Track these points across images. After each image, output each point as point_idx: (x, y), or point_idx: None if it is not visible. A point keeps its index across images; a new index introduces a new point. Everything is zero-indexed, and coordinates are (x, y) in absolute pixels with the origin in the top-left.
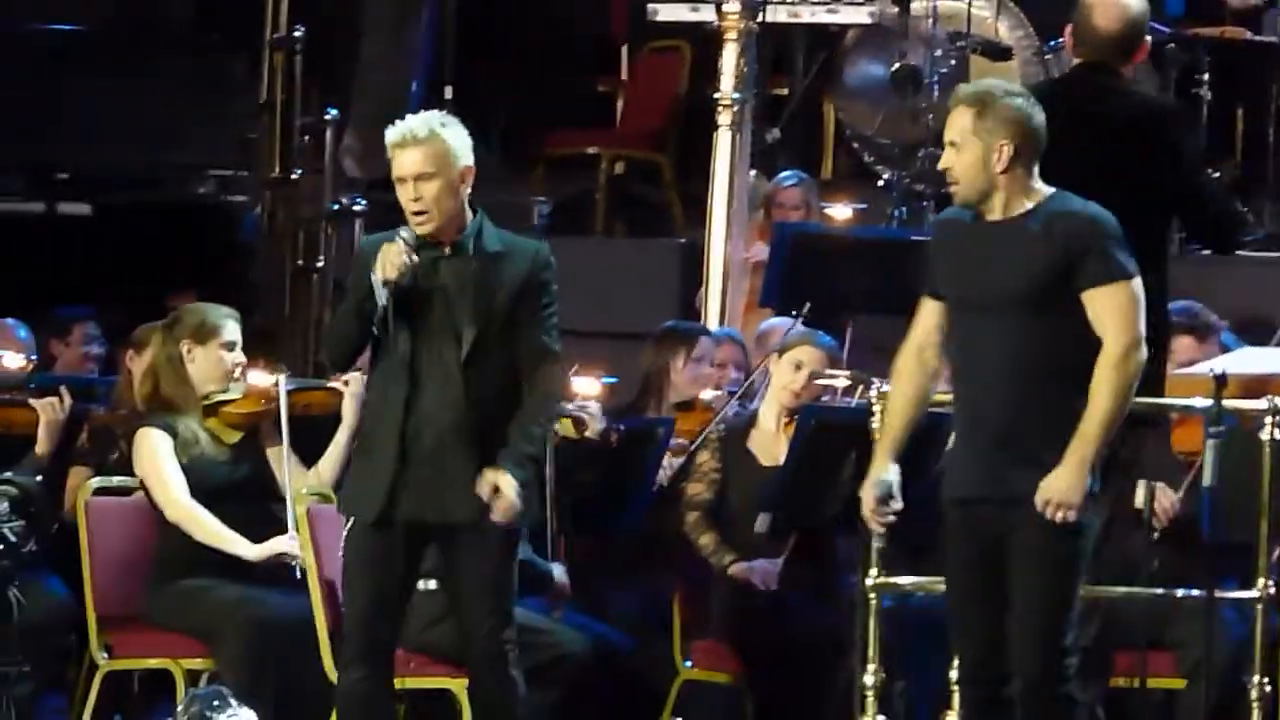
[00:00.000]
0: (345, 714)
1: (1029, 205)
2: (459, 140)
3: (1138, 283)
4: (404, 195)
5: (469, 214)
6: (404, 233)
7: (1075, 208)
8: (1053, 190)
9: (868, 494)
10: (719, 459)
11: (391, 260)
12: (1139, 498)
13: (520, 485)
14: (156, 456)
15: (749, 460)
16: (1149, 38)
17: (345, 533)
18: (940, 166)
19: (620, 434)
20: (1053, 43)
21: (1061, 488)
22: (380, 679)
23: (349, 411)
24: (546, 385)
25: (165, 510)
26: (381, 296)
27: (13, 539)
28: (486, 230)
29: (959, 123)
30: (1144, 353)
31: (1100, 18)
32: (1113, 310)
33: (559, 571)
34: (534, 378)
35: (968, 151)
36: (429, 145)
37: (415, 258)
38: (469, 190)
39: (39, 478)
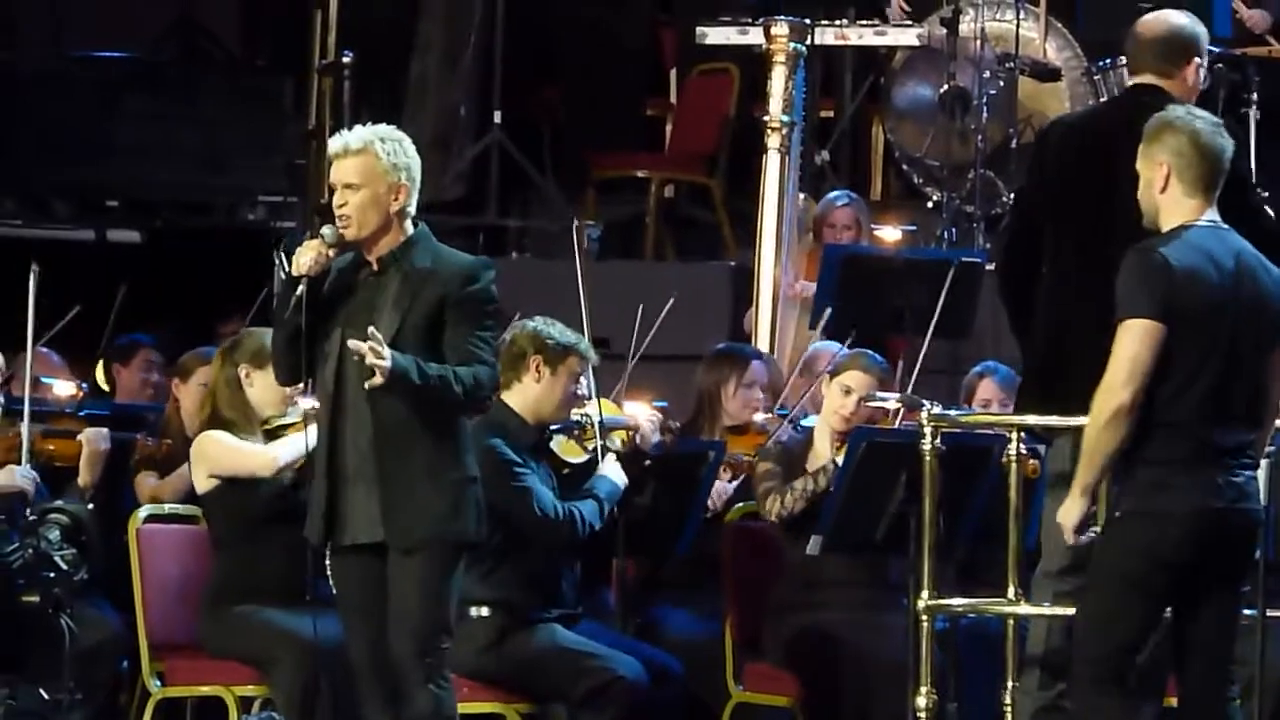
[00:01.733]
0: None
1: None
2: (396, 157)
3: (1136, 324)
4: (335, 202)
5: (405, 231)
6: (326, 230)
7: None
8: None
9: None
10: (780, 464)
11: (304, 255)
12: None
13: (401, 374)
14: (224, 441)
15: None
16: (1200, 60)
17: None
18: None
19: (674, 432)
20: (1101, 63)
21: (1060, 514)
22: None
23: None
24: (470, 370)
25: (263, 468)
26: (297, 289)
27: (64, 567)
28: (419, 249)
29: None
30: (1122, 395)
31: (1143, 26)
32: (1115, 344)
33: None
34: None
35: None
36: (360, 158)
37: (332, 253)
38: (400, 206)
39: (90, 505)
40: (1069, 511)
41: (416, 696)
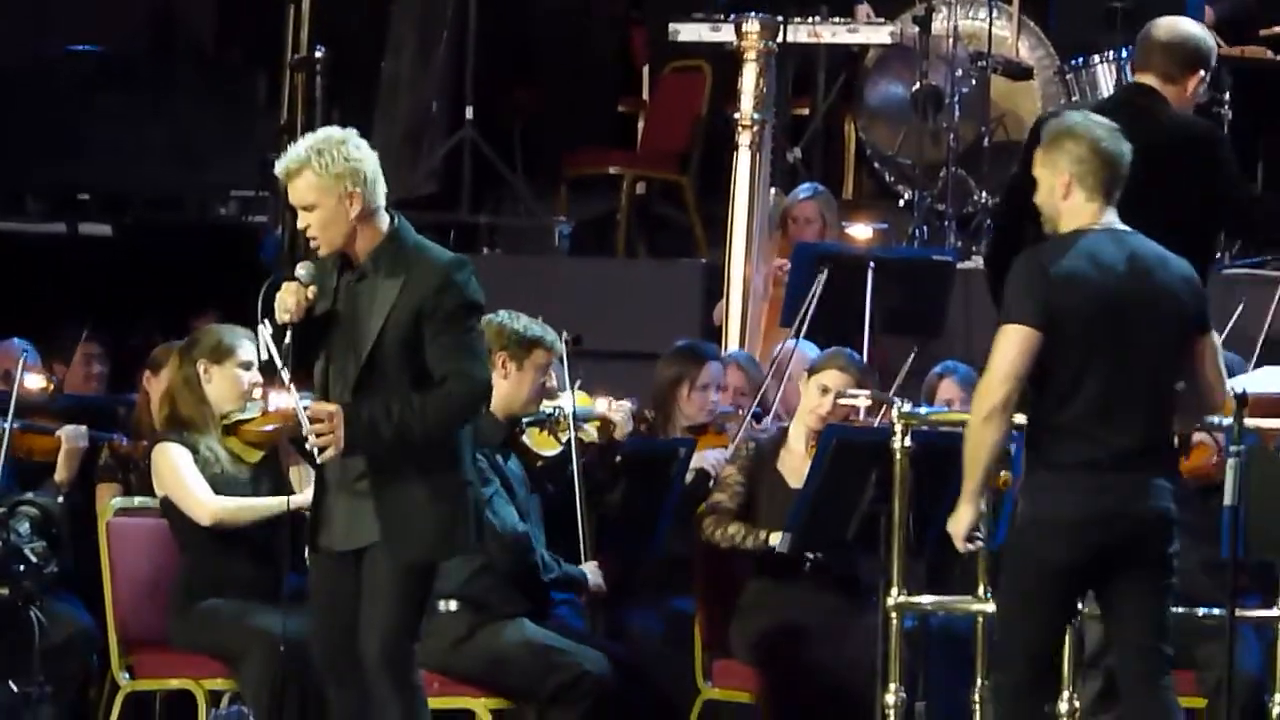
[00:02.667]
0: None
1: None
2: (336, 166)
3: (1012, 329)
4: (299, 224)
5: (380, 230)
6: (301, 271)
7: None
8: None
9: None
10: (745, 474)
11: (286, 301)
12: None
13: (357, 432)
14: (178, 469)
15: (776, 480)
16: (1205, 75)
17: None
18: None
19: (649, 422)
20: (1073, 61)
21: (949, 523)
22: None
23: None
24: (447, 393)
25: (199, 517)
26: (285, 337)
27: (34, 560)
28: (396, 250)
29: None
30: (996, 395)
31: (1159, 28)
32: (992, 350)
33: (591, 570)
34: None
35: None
36: (302, 179)
37: (311, 292)
38: (360, 210)
39: (60, 498)
40: (958, 519)
41: (388, 704)
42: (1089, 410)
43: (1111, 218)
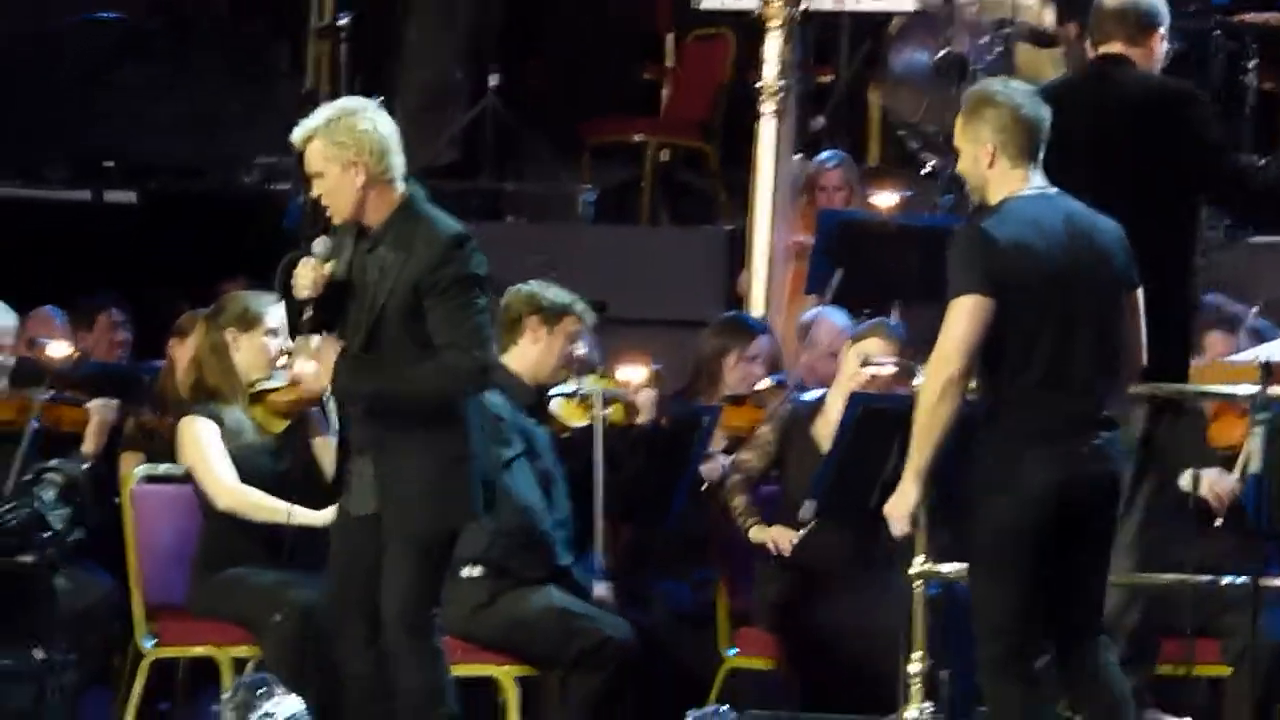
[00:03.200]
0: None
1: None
2: (343, 134)
3: (964, 300)
4: (313, 191)
5: (392, 200)
6: (317, 247)
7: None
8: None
9: None
10: (777, 435)
11: (304, 278)
12: (1183, 483)
13: (342, 374)
14: (201, 444)
15: (809, 446)
16: (1163, 31)
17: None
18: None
19: (670, 418)
20: None
21: (889, 506)
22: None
23: None
24: (439, 364)
25: (215, 498)
26: (304, 312)
27: (58, 527)
28: (405, 220)
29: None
30: (952, 368)
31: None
32: (944, 324)
33: (602, 590)
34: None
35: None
36: (311, 147)
37: (327, 269)
38: (368, 178)
39: (85, 466)
40: (903, 498)
41: (407, 666)
42: (1043, 377)
43: (1039, 180)
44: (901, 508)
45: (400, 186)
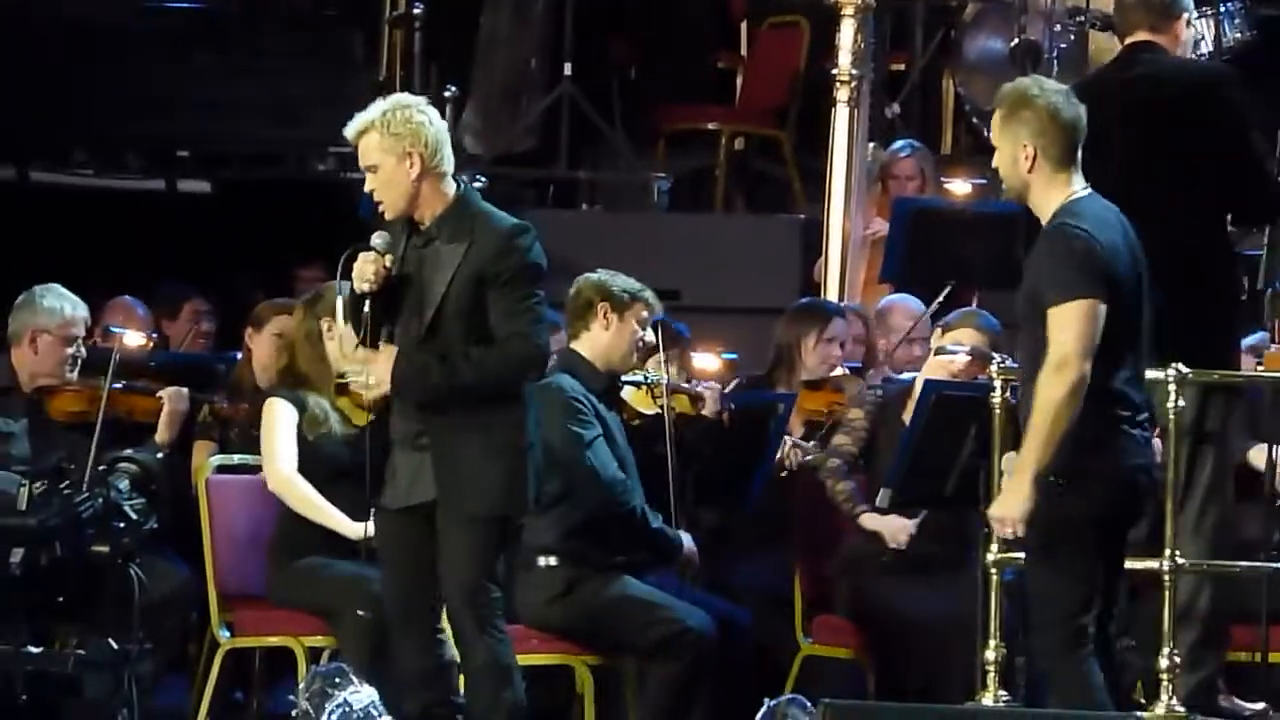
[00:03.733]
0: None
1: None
2: (397, 127)
3: (1082, 304)
4: (366, 186)
5: (445, 196)
6: (377, 241)
7: (1053, 223)
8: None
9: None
10: (870, 420)
11: (365, 271)
12: (1252, 460)
13: (409, 372)
14: (274, 425)
15: (898, 430)
16: (1189, 15)
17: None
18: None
19: (733, 413)
20: None
21: (996, 506)
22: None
23: None
24: (504, 352)
25: (267, 474)
26: (364, 306)
27: (134, 516)
28: (461, 214)
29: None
30: (1081, 369)
31: None
32: (1054, 327)
33: (687, 541)
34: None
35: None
36: (364, 141)
37: (388, 262)
38: (421, 173)
39: (159, 455)
40: (1017, 499)
41: (473, 648)
42: (1132, 372)
43: (1080, 181)
44: (1015, 510)
45: (452, 182)
